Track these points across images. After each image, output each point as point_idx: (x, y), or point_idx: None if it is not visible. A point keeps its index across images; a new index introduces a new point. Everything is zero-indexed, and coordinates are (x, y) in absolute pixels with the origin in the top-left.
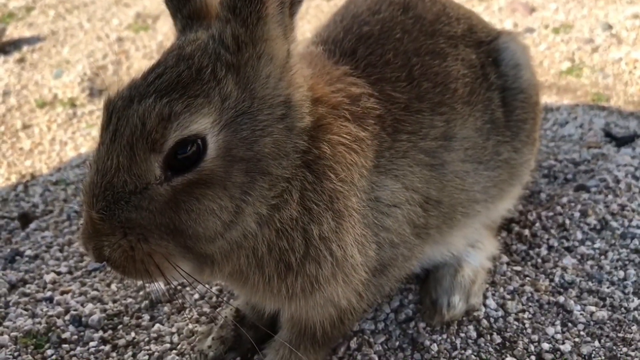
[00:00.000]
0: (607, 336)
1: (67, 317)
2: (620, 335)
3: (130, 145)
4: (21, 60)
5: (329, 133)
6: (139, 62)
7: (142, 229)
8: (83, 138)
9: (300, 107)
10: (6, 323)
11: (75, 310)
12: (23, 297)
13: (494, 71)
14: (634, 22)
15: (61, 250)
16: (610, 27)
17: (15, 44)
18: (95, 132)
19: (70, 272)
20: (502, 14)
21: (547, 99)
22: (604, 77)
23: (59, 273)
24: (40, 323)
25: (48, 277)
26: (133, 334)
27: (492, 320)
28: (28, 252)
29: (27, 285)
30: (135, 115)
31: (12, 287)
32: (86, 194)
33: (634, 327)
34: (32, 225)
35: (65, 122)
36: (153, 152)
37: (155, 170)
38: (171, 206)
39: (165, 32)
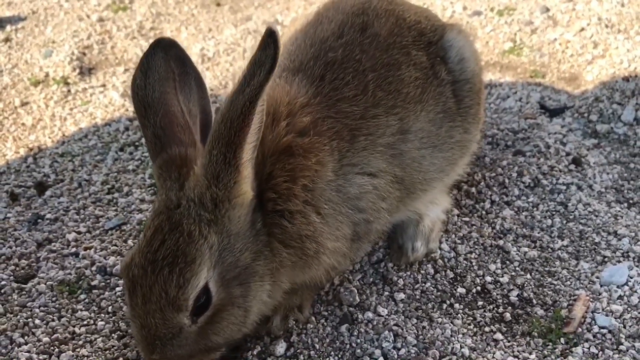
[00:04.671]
0: (537, 270)
1: (93, 268)
2: (547, 269)
3: (161, 309)
4: (7, 39)
5: (273, 179)
6: (122, 42)
7: (188, 356)
8: (81, 114)
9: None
10: (40, 275)
11: (100, 262)
12: (51, 253)
13: (443, 68)
14: (568, 5)
15: (78, 214)
16: (547, 9)
17: None
18: (92, 108)
19: (89, 232)
20: None
21: (491, 76)
22: (540, 56)
23: (79, 232)
24: (70, 274)
25: (70, 236)
26: None
27: (446, 260)
28: (48, 216)
29: (53, 244)
30: (156, 285)
31: (39, 245)
32: (142, 345)
33: (557, 263)
34: (48, 193)
35: (61, 99)
36: (179, 312)
37: (184, 321)
38: (202, 335)
39: (143, 12)
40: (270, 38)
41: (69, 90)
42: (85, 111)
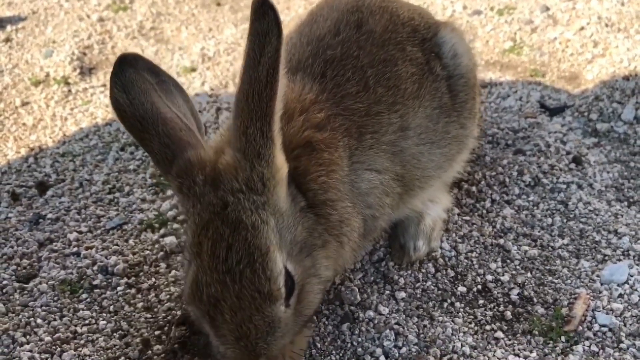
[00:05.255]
0: (537, 269)
1: (95, 268)
2: (547, 267)
3: (257, 308)
4: (7, 40)
5: (308, 175)
6: (123, 42)
7: (289, 343)
8: (82, 114)
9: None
10: (42, 274)
11: (101, 262)
12: (52, 252)
13: (438, 64)
14: (568, 4)
15: (79, 213)
16: (547, 8)
17: None
18: (93, 108)
19: (90, 231)
20: None
21: (492, 75)
22: (540, 55)
23: (80, 232)
24: (72, 273)
25: (72, 236)
26: (153, 279)
27: (446, 259)
28: (49, 216)
29: (54, 243)
30: (243, 290)
31: (41, 245)
32: (243, 356)
33: (558, 261)
34: (49, 192)
35: (62, 99)
36: (276, 302)
37: (281, 309)
38: (297, 315)
39: (143, 12)
40: (264, 6)
41: (69, 90)
42: (86, 111)
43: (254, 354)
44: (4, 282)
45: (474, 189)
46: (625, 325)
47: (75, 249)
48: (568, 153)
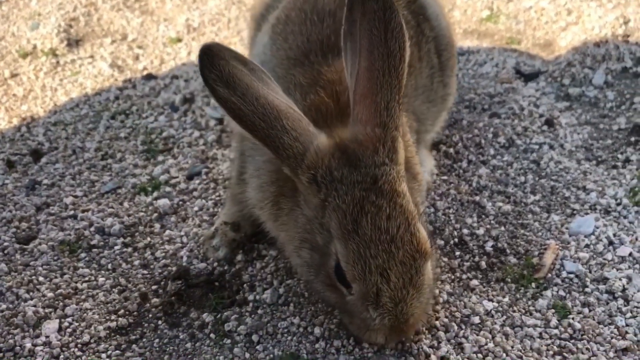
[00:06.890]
0: (510, 223)
1: (92, 229)
2: (520, 222)
3: (418, 269)
4: None
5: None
6: (108, 14)
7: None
8: (71, 85)
9: None
10: (41, 236)
11: (98, 223)
12: (50, 216)
13: (427, 26)
14: None
15: (74, 179)
16: None
17: None
18: (82, 79)
19: (85, 196)
20: None
21: (469, 43)
22: (516, 23)
23: (76, 196)
24: (70, 235)
25: (68, 200)
26: (149, 239)
27: (426, 215)
28: (45, 181)
29: (51, 207)
30: (406, 255)
31: (38, 209)
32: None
33: (530, 216)
34: (44, 160)
35: (50, 70)
36: (429, 259)
37: (430, 266)
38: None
39: None
40: None
41: (57, 62)
42: (75, 81)
43: (406, 317)
44: (5, 243)
45: (451, 150)
46: (590, 272)
47: (72, 212)
48: (541, 116)
